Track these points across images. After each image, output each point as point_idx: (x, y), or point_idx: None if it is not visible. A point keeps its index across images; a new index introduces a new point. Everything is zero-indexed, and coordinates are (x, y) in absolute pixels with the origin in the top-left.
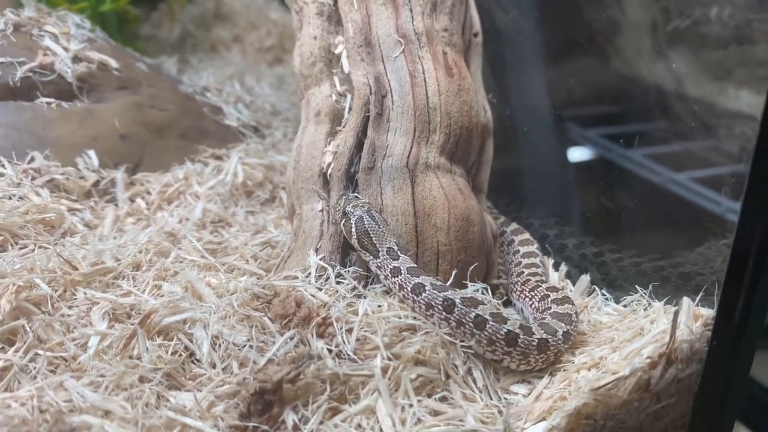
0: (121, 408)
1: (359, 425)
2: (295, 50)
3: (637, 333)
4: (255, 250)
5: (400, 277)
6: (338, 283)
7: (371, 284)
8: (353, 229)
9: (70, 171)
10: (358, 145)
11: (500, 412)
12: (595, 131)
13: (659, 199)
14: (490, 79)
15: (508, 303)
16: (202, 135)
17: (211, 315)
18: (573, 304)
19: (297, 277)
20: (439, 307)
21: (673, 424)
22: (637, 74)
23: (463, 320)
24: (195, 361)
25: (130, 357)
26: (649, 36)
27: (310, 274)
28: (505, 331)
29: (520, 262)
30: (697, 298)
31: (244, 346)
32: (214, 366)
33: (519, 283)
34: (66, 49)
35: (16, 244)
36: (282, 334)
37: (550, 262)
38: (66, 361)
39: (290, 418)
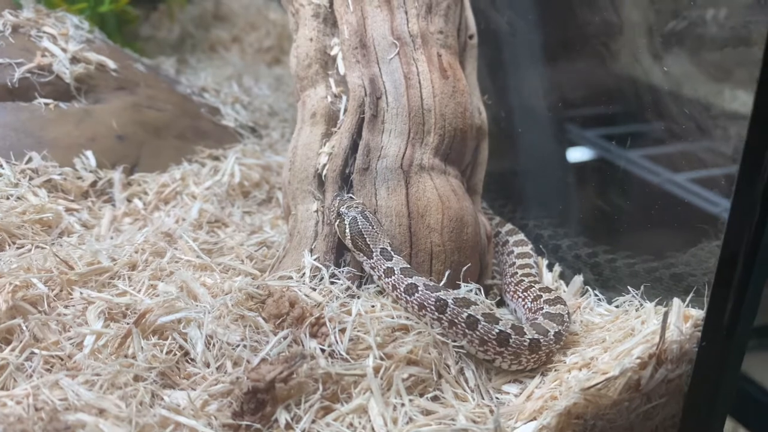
0: (116, 406)
1: (351, 424)
2: (292, 52)
3: (627, 334)
4: (250, 251)
5: (393, 277)
6: (332, 283)
7: (365, 284)
8: (347, 230)
9: (68, 171)
10: (353, 147)
11: (492, 411)
12: (589, 132)
13: (653, 200)
14: (486, 81)
15: (502, 303)
16: (200, 135)
17: (205, 315)
18: (565, 305)
19: (291, 278)
20: (432, 307)
21: (664, 425)
22: (631, 75)
23: (456, 320)
24: (189, 361)
25: (125, 356)
26: (645, 37)
27: (304, 274)
28: (497, 331)
29: (514, 263)
30: (688, 299)
31: (238, 345)
32: (208, 365)
33: (512, 284)
34: (64, 50)
35: (14, 243)
36: (275, 334)
37: (544, 262)
38: (62, 359)
39: (283, 416)
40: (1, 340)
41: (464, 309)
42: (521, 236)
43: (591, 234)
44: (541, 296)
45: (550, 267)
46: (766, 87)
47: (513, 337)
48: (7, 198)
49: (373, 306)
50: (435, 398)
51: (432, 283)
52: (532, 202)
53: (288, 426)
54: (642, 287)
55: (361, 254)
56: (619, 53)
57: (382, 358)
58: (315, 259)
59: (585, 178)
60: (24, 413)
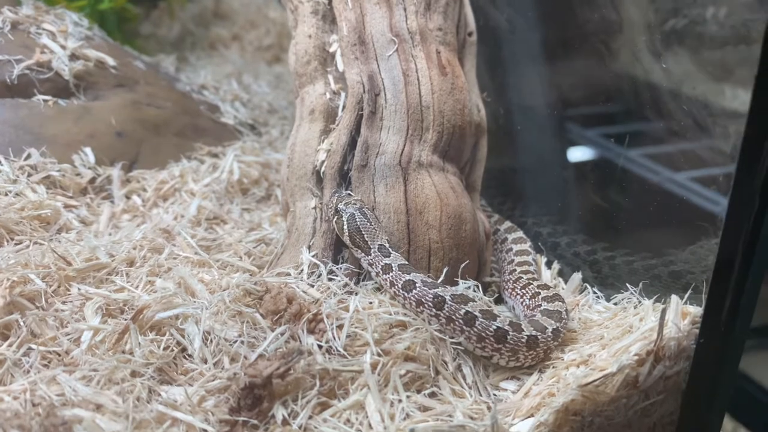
0: (113, 402)
1: (348, 420)
2: (290, 49)
3: (626, 331)
4: (249, 247)
5: (391, 274)
6: (330, 280)
7: (363, 281)
8: (345, 227)
9: (67, 168)
10: (352, 143)
11: (489, 408)
12: (589, 130)
13: (652, 198)
14: (485, 79)
15: (500, 301)
16: (199, 133)
17: (203, 311)
18: (563, 302)
19: (289, 274)
20: (430, 303)
21: (662, 422)
22: (631, 74)
23: (453, 317)
24: (187, 357)
25: (123, 352)
26: (644, 36)
27: (302, 270)
28: (495, 327)
29: (513, 260)
30: (686, 296)
31: (236, 341)
32: (205, 361)
33: (511, 281)
34: (63, 47)
35: (12, 239)
36: (273, 330)
37: (543, 260)
38: (59, 355)
39: (280, 412)
40: None
41: (462, 305)
42: (520, 234)
43: (590, 232)
44: (540, 293)
45: (548, 264)
46: (763, 83)
47: (511, 333)
48: (6, 194)
49: (370, 302)
50: (432, 395)
51: (430, 280)
52: (531, 199)
53: (285, 422)
54: (640, 284)
55: (359, 251)
56: (618, 51)
57: (379, 355)
58: (313, 256)
59: (584, 176)
60: (21, 409)
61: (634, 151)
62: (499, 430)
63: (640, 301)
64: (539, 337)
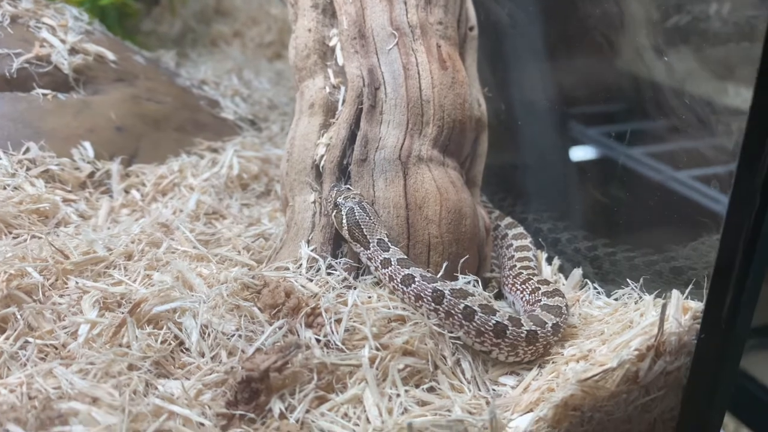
0: (109, 395)
1: (346, 414)
2: (290, 43)
3: (626, 326)
4: (247, 242)
5: (390, 268)
6: (329, 274)
7: (362, 275)
8: (344, 221)
9: (65, 162)
10: (351, 138)
11: (488, 403)
12: (590, 127)
13: (653, 194)
14: (486, 74)
15: (500, 296)
16: (199, 128)
17: (200, 304)
18: (563, 297)
19: (288, 268)
20: (429, 298)
21: (662, 417)
22: (632, 70)
23: (452, 311)
24: (184, 350)
25: (120, 345)
26: (646, 31)
27: (301, 265)
28: (494, 322)
29: (513, 256)
30: (687, 291)
31: (233, 335)
32: (203, 355)
33: (511, 276)
34: (63, 41)
35: (10, 233)
36: (271, 324)
37: (544, 256)
38: (56, 348)
39: (277, 406)
40: None
41: (461, 300)
42: (520, 229)
43: (591, 228)
44: (540, 288)
45: (549, 260)
46: (764, 80)
47: (510, 328)
48: (4, 188)
49: (369, 297)
50: (431, 389)
51: (429, 275)
52: (532, 195)
53: (282, 415)
54: (641, 280)
55: (358, 245)
56: (620, 47)
57: (377, 349)
58: (312, 250)
59: (585, 172)
60: (17, 402)
61: (635, 148)
62: (498, 425)
63: (640, 297)
64: (539, 332)
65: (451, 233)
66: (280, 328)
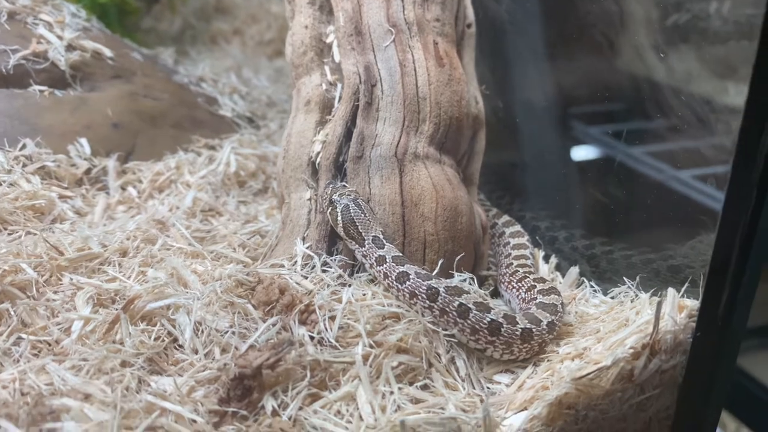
0: (101, 391)
1: (338, 412)
2: (287, 39)
3: (622, 324)
4: (243, 239)
5: (385, 265)
6: (324, 271)
7: (357, 273)
8: (339, 218)
9: (62, 159)
10: (347, 135)
11: (482, 400)
12: (588, 125)
13: (652, 193)
14: (485, 71)
15: (497, 294)
16: (196, 125)
17: (194, 301)
18: (559, 295)
19: (283, 266)
20: (423, 295)
21: (658, 416)
22: (631, 69)
23: (447, 309)
24: (178, 347)
25: (113, 342)
26: (646, 30)
27: (296, 262)
28: (489, 320)
29: (510, 254)
30: (683, 289)
31: (227, 332)
32: (196, 351)
33: (507, 274)
34: (60, 38)
35: (5, 229)
36: (264, 321)
37: (541, 254)
38: (49, 345)
39: (270, 403)
40: None
41: (456, 297)
42: (518, 227)
43: (588, 226)
44: (536, 286)
45: (546, 258)
46: (759, 77)
47: (505, 326)
48: (0, 184)
49: (364, 294)
50: (425, 387)
51: (424, 272)
52: (530, 193)
53: (275, 413)
54: (637, 278)
55: (353, 242)
56: (619, 45)
57: (371, 346)
58: (307, 248)
59: (583, 170)
60: (10, 398)
61: (633, 146)
62: (491, 423)
63: (637, 295)
64: (534, 329)
65: (446, 231)
66: (273, 325)
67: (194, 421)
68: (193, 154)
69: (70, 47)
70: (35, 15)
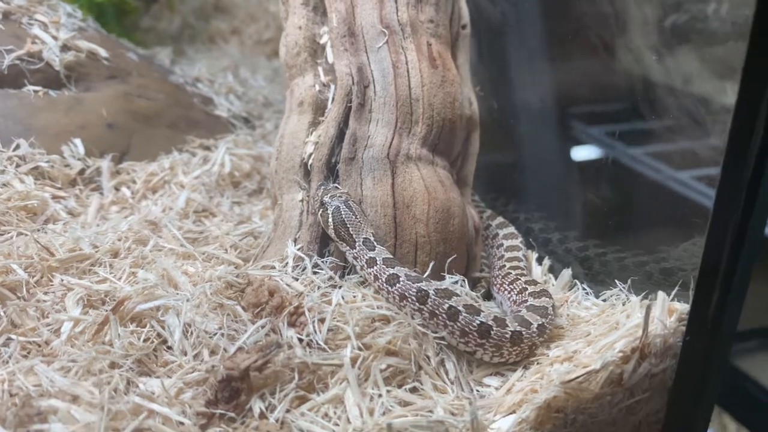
0: (89, 393)
1: (326, 414)
2: (281, 40)
3: (612, 327)
4: (235, 240)
5: (375, 267)
6: (315, 273)
7: (348, 275)
8: (330, 220)
9: (55, 159)
10: (340, 136)
11: (471, 403)
12: (585, 126)
13: (646, 195)
14: (480, 72)
15: (490, 296)
16: (191, 125)
17: (184, 303)
18: (550, 298)
19: (274, 267)
20: (413, 298)
21: (648, 420)
22: (628, 70)
23: (437, 311)
24: (167, 348)
25: (103, 343)
26: (643, 31)
27: (287, 263)
28: (478, 322)
29: (503, 256)
30: (673, 293)
31: (216, 334)
32: (185, 353)
33: (500, 276)
34: (55, 38)
35: None
36: (254, 323)
37: (534, 256)
38: (39, 346)
39: (257, 405)
40: None
41: (445, 300)
42: (511, 229)
43: (582, 228)
44: (527, 289)
45: (540, 260)
46: (749, 77)
47: (494, 329)
48: None
49: (354, 296)
50: (414, 389)
51: (414, 274)
52: (525, 195)
53: (262, 415)
54: (629, 281)
55: (344, 244)
56: (615, 47)
57: (360, 349)
58: (299, 249)
59: (577, 172)
60: None
61: (629, 148)
62: (479, 426)
63: (628, 298)
64: (524, 332)
65: (438, 233)
66: (262, 327)
67: (182, 423)
68: (188, 154)
69: (65, 47)
70: (30, 15)
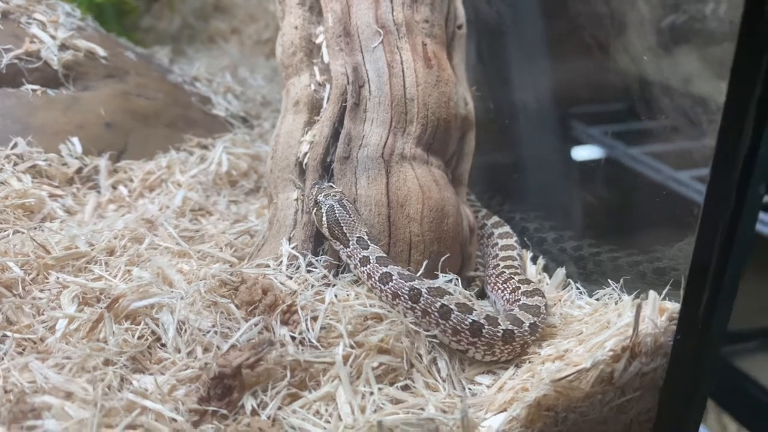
0: (83, 390)
1: (317, 412)
2: (278, 40)
3: (604, 326)
4: (231, 239)
5: (368, 266)
6: (309, 271)
7: (342, 273)
8: (324, 218)
9: (53, 158)
10: (335, 135)
11: (462, 401)
12: (581, 126)
13: (641, 194)
14: (477, 71)
15: (484, 295)
16: (189, 124)
17: (178, 300)
18: (543, 297)
19: (269, 266)
20: (405, 296)
21: (639, 419)
22: (623, 69)
23: (429, 310)
24: (161, 346)
25: (97, 340)
26: (641, 31)
27: (281, 262)
28: (470, 321)
29: (498, 255)
30: (664, 292)
31: (209, 331)
32: (179, 350)
33: (494, 275)
34: (53, 37)
35: None
36: (247, 321)
37: (529, 255)
38: (34, 343)
39: (249, 402)
40: None
41: (438, 299)
42: (506, 228)
43: (577, 227)
44: (520, 288)
45: (534, 260)
46: (738, 77)
47: (486, 327)
48: None
49: (348, 294)
50: (405, 387)
51: (407, 273)
52: (521, 195)
53: (254, 412)
54: (621, 280)
55: (338, 243)
56: (609, 47)
57: (352, 347)
58: (293, 248)
59: (573, 171)
60: None
61: (625, 148)
62: (470, 424)
63: (620, 297)
64: (515, 331)
65: (432, 232)
66: (255, 325)
67: (174, 420)
68: (185, 153)
69: (63, 46)
70: (29, 14)
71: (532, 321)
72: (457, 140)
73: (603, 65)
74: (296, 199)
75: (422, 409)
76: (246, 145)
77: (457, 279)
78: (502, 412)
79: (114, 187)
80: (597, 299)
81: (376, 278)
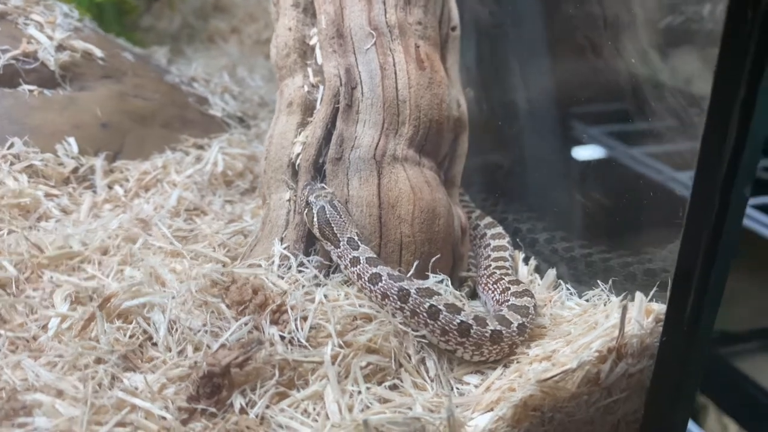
0: (74, 388)
1: (305, 410)
2: (272, 41)
3: (591, 327)
4: (224, 239)
5: (358, 266)
6: (300, 272)
7: (333, 274)
8: (315, 219)
9: (49, 157)
10: (327, 136)
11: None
12: (574, 128)
13: (634, 195)
14: (472, 73)
15: (475, 296)
16: (186, 125)
17: (169, 300)
18: (532, 297)
19: (260, 266)
20: (395, 296)
21: (626, 419)
22: (619, 70)
23: (417, 310)
24: (152, 345)
25: (89, 339)
26: (637, 32)
27: (273, 262)
28: (459, 321)
29: (489, 255)
30: (651, 293)
31: (200, 330)
32: (169, 349)
33: (485, 276)
34: (50, 38)
35: None
36: (237, 320)
37: (521, 256)
38: (27, 341)
39: (238, 401)
40: None
41: (426, 299)
42: (499, 229)
43: (569, 228)
44: (510, 288)
45: (526, 260)
46: (721, 79)
47: (474, 327)
48: None
49: (337, 295)
50: (393, 387)
51: (396, 273)
52: (514, 196)
53: (242, 410)
54: (610, 281)
55: (329, 243)
56: (604, 47)
57: (341, 346)
58: (285, 248)
59: (566, 172)
60: None
61: (619, 148)
62: (456, 424)
63: (609, 298)
64: (504, 331)
65: (423, 233)
66: (245, 324)
67: (164, 418)
68: (181, 153)
69: (60, 47)
70: (26, 15)
71: (520, 321)
72: (449, 142)
73: (595, 66)
74: (288, 200)
75: (410, 408)
76: (242, 145)
77: (447, 279)
78: (488, 411)
79: (110, 187)
80: (587, 300)
81: (366, 279)
